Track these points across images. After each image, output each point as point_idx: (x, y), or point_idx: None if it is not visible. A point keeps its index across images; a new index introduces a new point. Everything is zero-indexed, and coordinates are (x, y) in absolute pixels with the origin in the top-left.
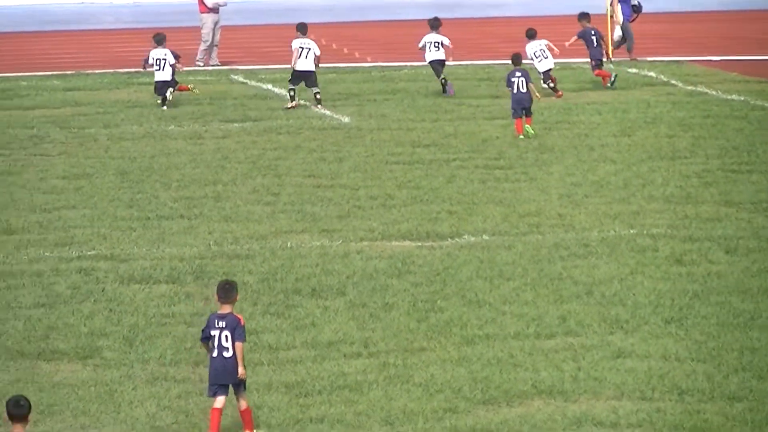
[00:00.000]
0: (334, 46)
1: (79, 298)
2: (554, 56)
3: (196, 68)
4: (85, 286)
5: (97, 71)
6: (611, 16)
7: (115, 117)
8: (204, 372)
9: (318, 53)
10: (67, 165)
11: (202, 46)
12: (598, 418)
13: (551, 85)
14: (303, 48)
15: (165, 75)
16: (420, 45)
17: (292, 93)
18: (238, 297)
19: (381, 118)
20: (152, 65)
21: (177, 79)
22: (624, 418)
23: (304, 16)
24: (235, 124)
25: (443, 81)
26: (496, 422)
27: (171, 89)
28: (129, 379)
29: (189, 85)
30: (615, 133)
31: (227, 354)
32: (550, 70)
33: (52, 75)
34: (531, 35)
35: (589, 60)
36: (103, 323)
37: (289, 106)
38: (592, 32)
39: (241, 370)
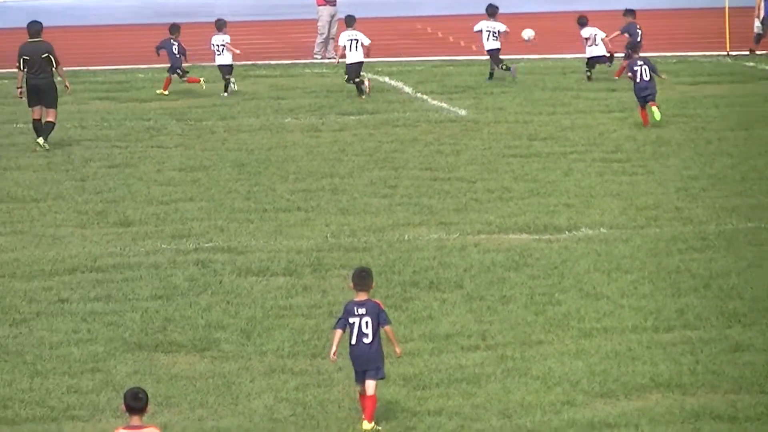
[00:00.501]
0: (450, 38)
1: (196, 290)
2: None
3: (313, 61)
4: (203, 279)
5: (214, 64)
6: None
7: (231, 109)
8: (321, 364)
9: (366, 43)
10: (184, 157)
11: (319, 39)
12: (716, 411)
13: (588, 73)
14: (351, 40)
15: (225, 59)
16: (476, 29)
17: (362, 85)
18: (374, 285)
19: (498, 111)
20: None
21: (187, 70)
22: (742, 411)
23: (421, 9)
24: (352, 117)
25: (503, 67)
26: (614, 415)
27: (231, 77)
28: (246, 371)
29: (201, 78)
30: (732, 126)
31: (367, 340)
32: (600, 57)
33: (168, 67)
34: (583, 23)
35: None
36: (220, 315)
37: (367, 94)
38: (637, 27)
39: (398, 349)
